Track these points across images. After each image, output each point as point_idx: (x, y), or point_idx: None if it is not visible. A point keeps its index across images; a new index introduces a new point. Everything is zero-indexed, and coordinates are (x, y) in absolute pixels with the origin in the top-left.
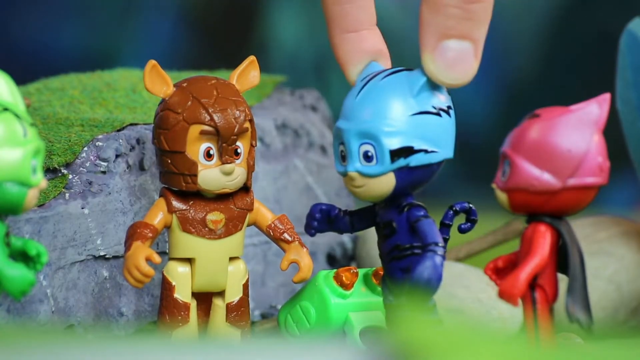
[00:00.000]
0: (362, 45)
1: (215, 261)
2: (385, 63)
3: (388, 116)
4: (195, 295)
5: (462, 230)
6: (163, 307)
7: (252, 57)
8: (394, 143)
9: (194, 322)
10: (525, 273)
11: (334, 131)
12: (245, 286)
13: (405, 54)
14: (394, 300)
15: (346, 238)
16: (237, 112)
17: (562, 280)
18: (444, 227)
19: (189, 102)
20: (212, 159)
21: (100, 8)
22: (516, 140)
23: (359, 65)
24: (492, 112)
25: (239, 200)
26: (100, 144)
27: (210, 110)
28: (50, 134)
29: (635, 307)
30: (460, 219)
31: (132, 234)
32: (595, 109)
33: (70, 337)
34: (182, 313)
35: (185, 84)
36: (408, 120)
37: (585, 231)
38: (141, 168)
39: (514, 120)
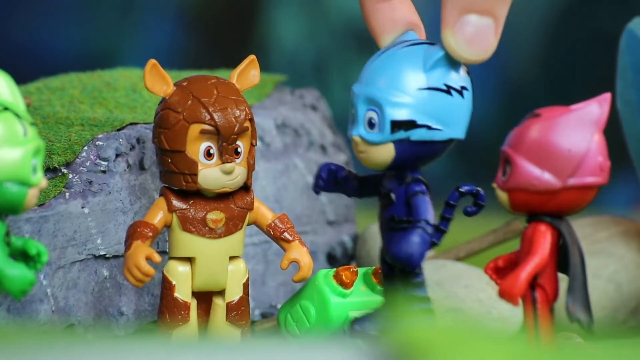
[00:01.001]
0: (394, 15)
1: (216, 260)
2: (419, 34)
3: (397, 86)
4: (195, 294)
5: (467, 213)
6: (163, 307)
7: (252, 56)
8: (397, 114)
9: (194, 322)
10: (525, 273)
11: (350, 93)
12: (246, 285)
13: None
14: (387, 273)
15: (346, 237)
16: (238, 111)
17: (563, 280)
18: (448, 207)
19: (189, 102)
20: (213, 158)
21: (100, 8)
22: (516, 139)
23: (391, 35)
24: (493, 111)
25: (239, 200)
26: (101, 143)
27: (210, 110)
28: (50, 133)
29: (635, 307)
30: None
31: (132, 233)
32: (596, 109)
33: (70, 337)
34: (182, 312)
35: (185, 83)
36: (416, 93)
37: (585, 231)
38: (141, 167)
39: (514, 119)
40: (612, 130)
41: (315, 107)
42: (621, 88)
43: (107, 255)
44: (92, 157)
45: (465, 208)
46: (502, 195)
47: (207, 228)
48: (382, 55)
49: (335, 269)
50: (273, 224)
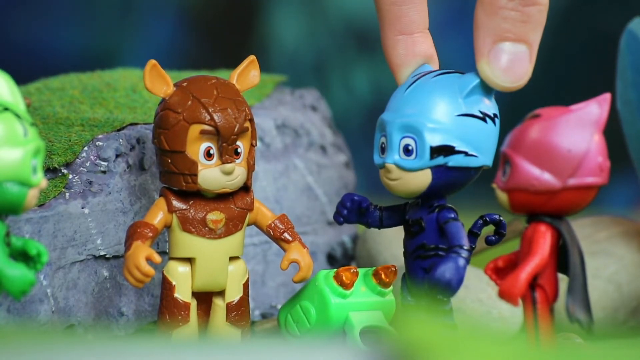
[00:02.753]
0: (415, 49)
1: (216, 261)
2: (434, 66)
3: (433, 113)
4: (195, 295)
5: (489, 242)
6: (163, 307)
7: (252, 57)
8: (436, 140)
9: (194, 322)
10: (525, 273)
11: (377, 123)
12: (246, 286)
13: None
14: (412, 301)
15: (346, 238)
16: (237, 111)
17: (562, 280)
18: (471, 236)
19: (189, 102)
20: (212, 159)
21: (100, 8)
22: (516, 140)
23: (410, 68)
24: None
25: (239, 200)
26: (101, 143)
27: (210, 110)
28: (51, 133)
29: (635, 307)
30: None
31: (132, 234)
32: (596, 109)
33: (70, 337)
34: (183, 313)
35: (185, 84)
36: (453, 119)
37: (585, 231)
38: (141, 168)
39: (514, 120)
40: (612, 130)
41: (315, 107)
42: (621, 88)
43: (107, 256)
44: (92, 157)
45: (487, 237)
46: (502, 196)
47: (207, 228)
48: (412, 86)
49: (335, 270)
50: (273, 225)
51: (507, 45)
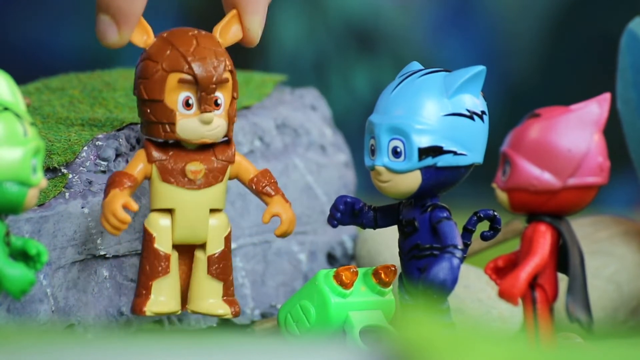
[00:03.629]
0: None
1: (195, 212)
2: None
3: (420, 114)
4: (177, 247)
5: (484, 238)
6: (144, 258)
7: (233, 11)
8: (424, 141)
9: (175, 273)
10: (525, 273)
11: (366, 125)
12: (227, 239)
13: (405, 54)
14: (409, 300)
15: (346, 237)
16: (216, 61)
17: (562, 280)
18: (466, 233)
19: (168, 51)
20: (192, 109)
21: None
22: (516, 139)
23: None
24: (493, 111)
25: (220, 152)
26: (100, 143)
27: (189, 59)
28: (50, 133)
29: (635, 307)
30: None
31: (111, 183)
32: (596, 109)
33: (70, 337)
34: (163, 264)
35: (165, 34)
36: (440, 119)
37: (585, 231)
38: None
39: (514, 119)
40: (612, 130)
41: (314, 107)
42: (621, 88)
43: (107, 256)
44: (92, 157)
45: (482, 233)
46: (502, 196)
47: (186, 179)
48: (399, 87)
49: (335, 269)
50: (255, 179)
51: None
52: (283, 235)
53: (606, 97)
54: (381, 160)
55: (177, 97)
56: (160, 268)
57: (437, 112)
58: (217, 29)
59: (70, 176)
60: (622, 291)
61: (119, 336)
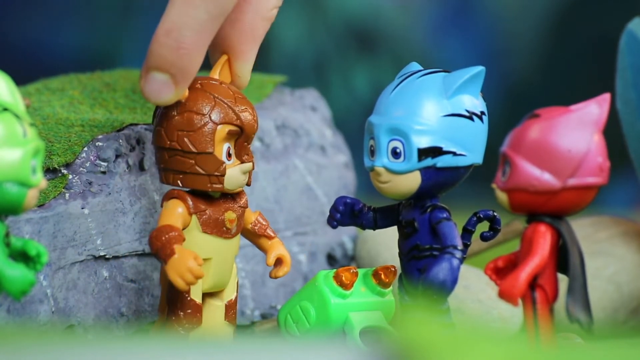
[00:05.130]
0: None
1: (228, 260)
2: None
3: (420, 115)
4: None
5: (484, 238)
6: (178, 309)
7: (225, 57)
8: (423, 142)
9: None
10: (525, 273)
11: (365, 125)
12: (238, 284)
13: (405, 54)
14: (409, 301)
15: (346, 238)
16: (254, 110)
17: (562, 280)
18: (466, 233)
19: (213, 103)
20: (232, 159)
21: (100, 8)
22: (516, 140)
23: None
24: (492, 111)
25: (240, 199)
26: (100, 144)
27: (236, 110)
28: (50, 134)
29: (635, 307)
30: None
31: (168, 239)
32: (595, 109)
33: (70, 337)
34: (198, 315)
35: (199, 85)
36: (440, 120)
37: (585, 231)
38: (141, 168)
39: (514, 120)
40: (612, 130)
41: (314, 107)
42: (621, 88)
43: (107, 256)
44: (92, 157)
45: (482, 233)
46: (502, 196)
47: (225, 228)
48: (398, 87)
49: (335, 270)
50: (257, 221)
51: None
52: (283, 276)
53: (606, 97)
54: (381, 161)
55: (222, 148)
56: (195, 319)
57: (436, 112)
58: (213, 74)
59: (70, 177)
60: (622, 292)
61: (119, 337)
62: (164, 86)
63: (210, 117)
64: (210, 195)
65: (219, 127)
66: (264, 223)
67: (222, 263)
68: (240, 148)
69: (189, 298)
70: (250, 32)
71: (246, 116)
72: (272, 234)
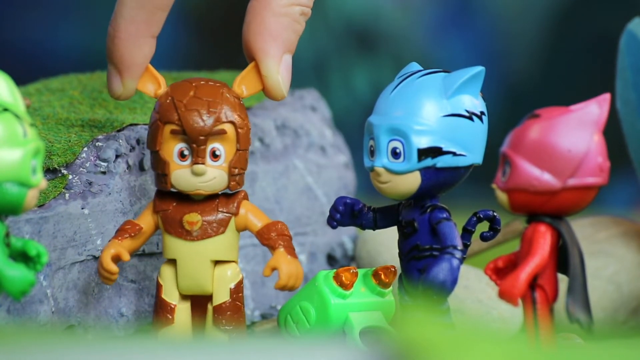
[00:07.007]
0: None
1: (195, 263)
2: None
3: (419, 115)
4: (192, 297)
5: (484, 238)
6: (154, 307)
7: (253, 62)
8: (423, 142)
9: (181, 324)
10: (525, 273)
11: (365, 125)
12: (235, 290)
13: (405, 54)
14: (409, 301)
15: (346, 238)
16: (207, 113)
17: (562, 280)
18: (466, 233)
19: (167, 101)
20: (187, 160)
21: (100, 8)
22: (516, 140)
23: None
24: (492, 112)
25: (223, 204)
26: (100, 144)
27: (180, 110)
28: (50, 134)
29: (635, 307)
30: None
31: (117, 231)
32: (595, 109)
33: (70, 337)
34: (167, 315)
35: (173, 84)
36: (439, 120)
37: (585, 231)
38: (141, 168)
39: (514, 120)
40: (612, 130)
41: (314, 108)
42: (621, 88)
43: None
44: (92, 158)
45: (482, 233)
46: (502, 196)
47: (183, 230)
48: (398, 87)
49: (335, 270)
50: (261, 231)
51: (288, 57)
52: (283, 289)
53: (606, 97)
54: (380, 161)
55: (172, 148)
56: (164, 318)
57: (436, 112)
58: (237, 80)
59: (70, 177)
60: (622, 292)
61: (119, 337)
62: (113, 77)
63: (158, 115)
64: (184, 196)
65: (165, 126)
66: (267, 233)
67: (190, 266)
68: (194, 150)
69: (161, 297)
70: (264, 30)
71: (190, 117)
72: (273, 245)
